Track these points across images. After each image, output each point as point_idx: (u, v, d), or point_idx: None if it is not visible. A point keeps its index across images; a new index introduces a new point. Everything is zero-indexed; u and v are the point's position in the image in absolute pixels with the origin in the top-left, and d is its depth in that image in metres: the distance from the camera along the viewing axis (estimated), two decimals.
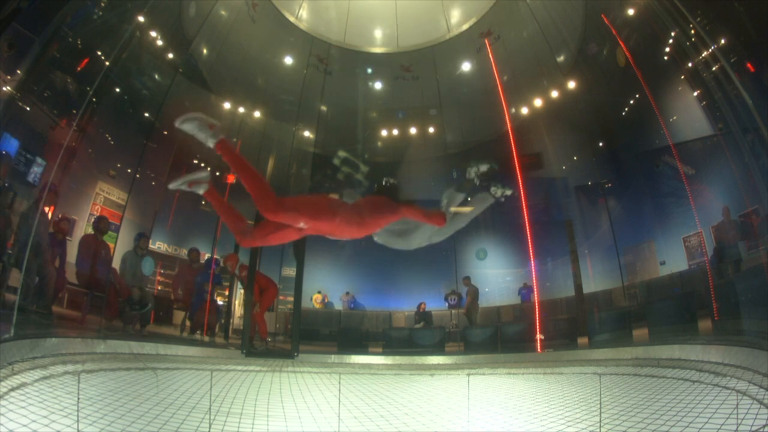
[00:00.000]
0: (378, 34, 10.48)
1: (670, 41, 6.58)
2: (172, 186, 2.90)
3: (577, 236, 8.32)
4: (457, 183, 3.14)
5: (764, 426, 2.45)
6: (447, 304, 9.87)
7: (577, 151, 9.54)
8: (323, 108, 10.69)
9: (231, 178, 9.25)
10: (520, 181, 8.41)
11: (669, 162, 7.23)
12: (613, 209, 8.57)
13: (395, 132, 11.02)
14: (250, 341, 7.12)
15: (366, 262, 10.71)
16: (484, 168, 3.05)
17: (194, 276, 8.24)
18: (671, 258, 7.43)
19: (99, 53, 6.58)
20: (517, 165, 8.60)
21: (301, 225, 2.82)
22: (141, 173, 8.20)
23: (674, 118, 7.22)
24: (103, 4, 6.46)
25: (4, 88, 4.96)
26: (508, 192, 3.09)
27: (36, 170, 5.77)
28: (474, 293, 9.54)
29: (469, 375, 5.49)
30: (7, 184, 5.34)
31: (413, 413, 3.37)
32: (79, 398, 2.68)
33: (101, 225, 6.82)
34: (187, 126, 2.65)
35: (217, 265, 8.50)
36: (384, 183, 3.15)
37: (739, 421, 2.53)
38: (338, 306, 10.79)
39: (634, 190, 8.27)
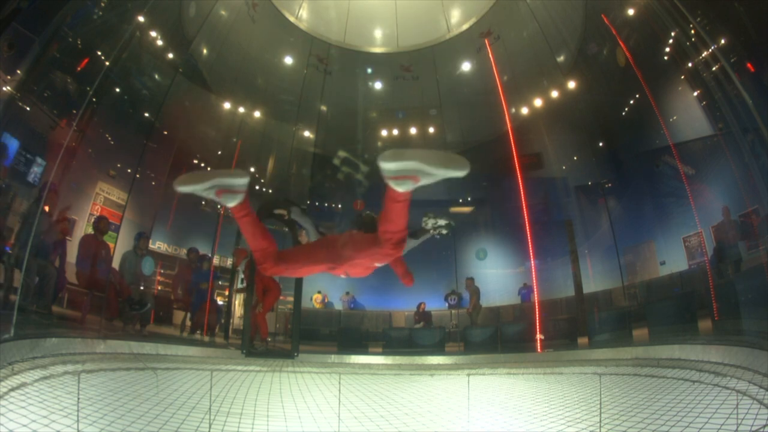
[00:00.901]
0: (378, 34, 10.48)
1: (670, 41, 6.57)
2: (186, 188, 2.13)
3: (577, 236, 8.32)
4: (413, 230, 3.16)
5: (764, 426, 2.45)
6: (447, 304, 9.87)
7: (577, 151, 9.53)
8: (323, 108, 10.69)
9: None
10: (520, 181, 8.41)
11: (669, 162, 7.23)
12: (613, 209, 8.56)
13: (395, 132, 11.01)
14: (250, 341, 7.11)
15: None
16: (442, 222, 3.08)
17: (194, 276, 8.26)
18: (671, 258, 7.43)
19: (99, 53, 6.58)
20: (517, 165, 8.60)
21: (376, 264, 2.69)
22: (141, 173, 8.19)
23: (674, 118, 7.21)
24: (103, 4, 6.46)
25: (4, 88, 4.96)
26: (444, 231, 3.12)
27: (36, 170, 5.77)
28: (478, 293, 9.56)
29: (469, 375, 5.49)
30: (5, 185, 5.34)
31: (413, 413, 3.37)
32: (79, 398, 2.68)
33: (101, 225, 6.82)
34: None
35: (203, 261, 8.51)
36: (366, 216, 2.97)
37: (739, 421, 2.53)
38: (338, 306, 10.79)
39: (634, 190, 8.26)
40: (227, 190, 2.15)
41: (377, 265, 2.73)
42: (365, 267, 2.78)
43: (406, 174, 1.92)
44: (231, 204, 2.22)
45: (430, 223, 3.10)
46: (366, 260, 2.66)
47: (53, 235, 5.98)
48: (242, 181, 2.14)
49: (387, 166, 1.92)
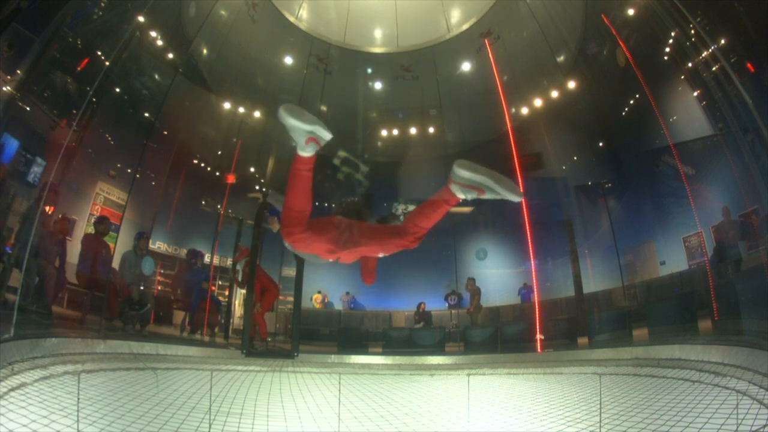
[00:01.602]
0: (378, 34, 10.48)
1: (670, 41, 6.57)
2: (292, 120, 2.12)
3: (577, 236, 8.31)
4: (382, 216, 3.18)
5: (764, 426, 2.45)
6: (447, 304, 9.87)
7: (577, 151, 9.53)
8: (323, 108, 10.68)
9: (231, 178, 9.27)
10: (520, 181, 8.40)
11: (669, 162, 7.23)
12: (613, 209, 8.56)
13: (395, 132, 11.01)
14: (250, 341, 7.12)
15: None
16: (411, 208, 3.12)
17: (194, 276, 8.28)
18: (671, 258, 7.43)
19: (99, 53, 6.57)
20: (517, 165, 8.60)
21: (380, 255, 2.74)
22: (141, 173, 8.19)
23: (674, 118, 7.21)
24: (103, 4, 6.46)
25: (4, 88, 4.96)
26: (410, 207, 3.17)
27: (36, 170, 5.77)
28: (479, 293, 9.57)
29: (469, 375, 5.49)
30: (5, 185, 5.34)
31: (413, 413, 3.37)
32: (79, 398, 2.68)
33: (102, 226, 6.82)
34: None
35: (198, 257, 8.54)
36: (354, 204, 3.00)
37: (739, 421, 2.53)
38: (338, 306, 10.79)
39: (634, 190, 8.26)
40: (316, 140, 2.17)
41: (380, 255, 2.76)
42: (361, 255, 2.79)
43: (475, 185, 2.18)
44: (309, 154, 2.22)
45: (400, 209, 3.15)
46: (376, 249, 2.68)
47: (53, 235, 5.99)
48: (330, 137, 2.17)
49: (462, 173, 2.18)
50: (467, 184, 2.21)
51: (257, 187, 9.47)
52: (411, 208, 3.10)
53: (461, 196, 2.27)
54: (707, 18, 5.55)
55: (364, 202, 2.99)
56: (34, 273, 5.29)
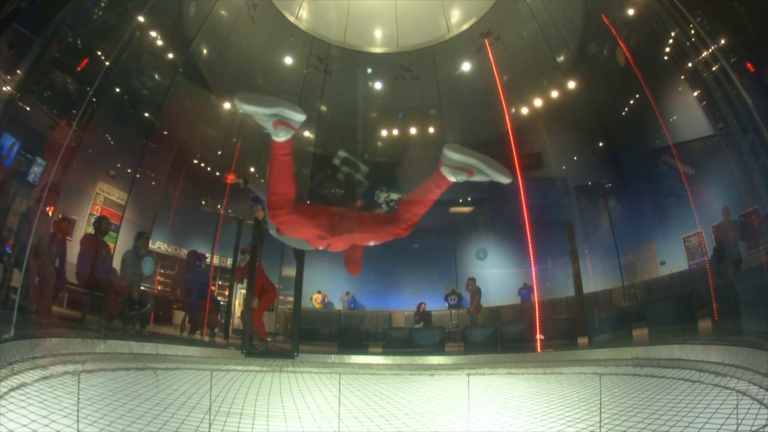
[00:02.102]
0: (378, 34, 10.48)
1: (670, 41, 6.57)
2: (249, 107, 2.01)
3: (577, 236, 8.32)
4: (366, 206, 3.20)
5: (764, 426, 2.45)
6: (447, 304, 9.87)
7: (577, 151, 9.53)
8: (323, 108, 10.68)
9: (230, 178, 9.27)
10: (520, 181, 8.41)
11: (669, 162, 7.23)
12: (613, 209, 8.56)
13: (395, 132, 11.01)
14: (249, 341, 7.12)
15: (366, 262, 10.70)
16: (395, 196, 3.12)
17: (194, 277, 8.29)
18: (671, 258, 7.43)
19: (99, 53, 6.57)
20: (517, 165, 8.60)
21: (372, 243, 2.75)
22: (141, 173, 8.20)
23: (674, 118, 7.21)
24: (103, 4, 6.46)
25: (4, 88, 4.96)
26: (395, 197, 3.16)
27: (36, 170, 5.77)
28: (479, 294, 9.58)
29: (469, 375, 5.49)
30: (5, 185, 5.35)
31: (413, 413, 3.37)
32: (79, 398, 2.68)
33: (102, 225, 6.82)
34: None
35: (201, 259, 8.56)
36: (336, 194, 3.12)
37: (739, 421, 2.53)
38: (338, 306, 10.79)
39: (634, 190, 8.26)
40: (286, 123, 2.09)
41: (372, 243, 2.78)
42: (351, 243, 2.81)
43: (465, 167, 2.20)
44: (282, 139, 2.16)
45: (382, 197, 3.15)
46: (368, 236, 2.70)
47: (53, 235, 5.99)
48: (301, 118, 2.10)
49: (452, 155, 2.20)
50: (457, 166, 2.23)
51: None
52: (393, 195, 3.11)
53: (452, 178, 2.28)
54: (707, 18, 5.55)
55: (346, 186, 3.03)
56: (34, 273, 5.29)
